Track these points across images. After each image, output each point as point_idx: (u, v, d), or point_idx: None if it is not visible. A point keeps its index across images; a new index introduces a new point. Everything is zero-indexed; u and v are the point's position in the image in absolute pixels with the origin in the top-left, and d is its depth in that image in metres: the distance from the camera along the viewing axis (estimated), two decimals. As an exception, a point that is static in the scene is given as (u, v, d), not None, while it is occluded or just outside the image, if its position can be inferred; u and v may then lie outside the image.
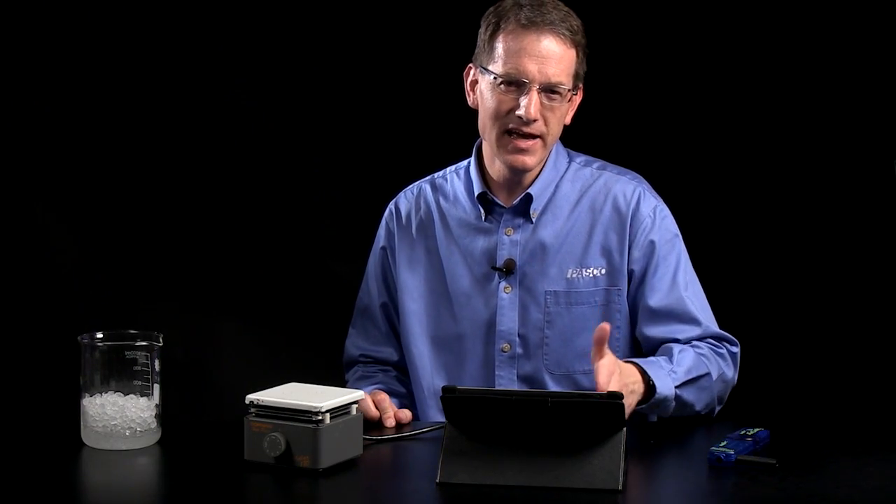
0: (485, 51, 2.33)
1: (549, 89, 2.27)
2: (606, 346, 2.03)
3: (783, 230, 3.06)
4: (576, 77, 2.31)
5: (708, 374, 2.25)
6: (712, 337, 2.32)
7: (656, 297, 2.32)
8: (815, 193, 3.04)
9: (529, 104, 2.26)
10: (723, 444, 1.98)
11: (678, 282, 2.33)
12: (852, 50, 2.99)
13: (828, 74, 3.01)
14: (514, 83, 2.28)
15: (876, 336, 2.99)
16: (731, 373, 2.32)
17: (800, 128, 3.04)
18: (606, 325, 2.03)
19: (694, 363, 2.24)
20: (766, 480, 1.89)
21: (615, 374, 2.03)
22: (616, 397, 1.86)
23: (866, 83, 2.98)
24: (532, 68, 2.26)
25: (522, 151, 2.31)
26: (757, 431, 2.05)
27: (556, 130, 2.32)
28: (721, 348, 2.32)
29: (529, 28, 2.27)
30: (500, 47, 2.29)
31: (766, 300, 3.06)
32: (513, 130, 2.29)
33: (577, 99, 2.36)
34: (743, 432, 2.04)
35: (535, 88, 2.26)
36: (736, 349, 2.34)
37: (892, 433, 2.15)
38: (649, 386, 2.16)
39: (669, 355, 2.25)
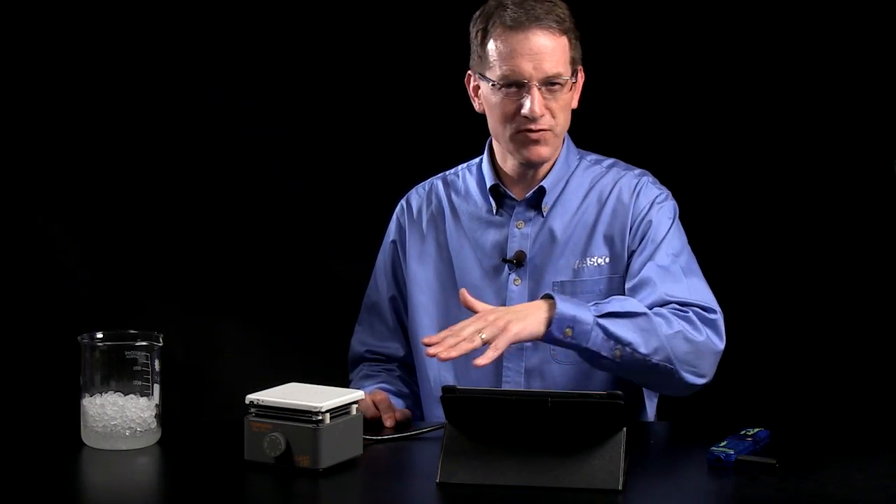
0: (479, 57, 2.34)
1: (548, 83, 2.28)
2: (477, 302, 2.15)
3: (783, 231, 3.06)
4: (572, 63, 2.32)
5: (646, 315, 2.18)
6: (676, 303, 2.24)
7: (628, 280, 2.31)
8: (816, 193, 3.04)
9: (533, 103, 2.27)
10: (723, 444, 1.98)
11: (654, 259, 2.29)
12: (852, 50, 2.99)
13: (828, 74, 3.01)
14: (514, 84, 2.29)
15: (876, 336, 2.99)
16: (701, 336, 2.21)
17: (800, 127, 3.04)
18: (462, 290, 2.16)
19: (627, 302, 2.21)
20: (766, 480, 1.89)
21: (492, 311, 2.13)
22: (616, 397, 1.86)
23: (866, 83, 2.98)
24: (527, 67, 2.27)
25: (537, 143, 2.32)
26: (757, 431, 2.05)
27: (563, 118, 2.33)
28: (686, 312, 2.23)
29: (516, 28, 2.28)
30: (492, 52, 2.30)
31: (766, 300, 3.06)
32: (523, 129, 2.31)
33: (580, 81, 2.37)
34: (743, 432, 2.04)
35: (534, 86, 2.27)
36: (714, 315, 2.24)
37: (891, 433, 2.15)
38: (553, 305, 2.14)
39: None
